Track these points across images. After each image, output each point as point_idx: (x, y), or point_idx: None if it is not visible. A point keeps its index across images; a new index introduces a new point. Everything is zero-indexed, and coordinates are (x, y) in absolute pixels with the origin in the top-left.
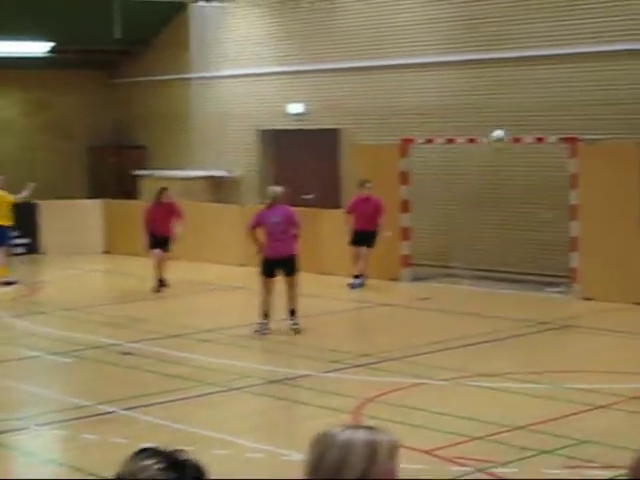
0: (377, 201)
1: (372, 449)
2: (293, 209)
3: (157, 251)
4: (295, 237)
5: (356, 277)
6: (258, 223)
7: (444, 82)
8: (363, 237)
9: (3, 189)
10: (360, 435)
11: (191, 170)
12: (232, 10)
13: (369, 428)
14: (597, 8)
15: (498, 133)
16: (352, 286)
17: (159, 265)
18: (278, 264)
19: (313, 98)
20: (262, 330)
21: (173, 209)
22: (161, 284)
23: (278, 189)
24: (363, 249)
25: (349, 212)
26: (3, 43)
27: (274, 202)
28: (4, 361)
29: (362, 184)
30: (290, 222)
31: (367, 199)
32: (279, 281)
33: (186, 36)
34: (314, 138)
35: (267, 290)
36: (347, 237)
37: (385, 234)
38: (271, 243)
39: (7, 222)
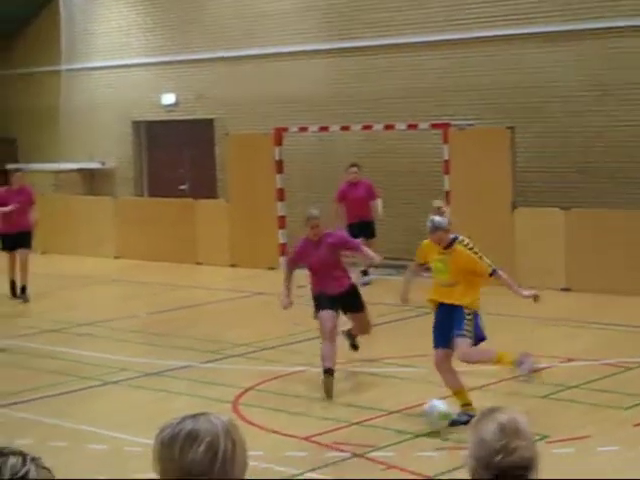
0: (367, 184)
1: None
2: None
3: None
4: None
5: (364, 273)
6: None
7: (316, 70)
8: (358, 229)
9: None
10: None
11: (63, 163)
12: (101, 0)
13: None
14: None
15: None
16: (363, 284)
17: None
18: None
19: (185, 88)
20: None
21: (28, 196)
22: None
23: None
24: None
25: (339, 201)
26: None
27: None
28: None
29: (348, 168)
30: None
31: (355, 184)
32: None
33: (55, 27)
34: (188, 128)
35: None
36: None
37: None
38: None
39: None
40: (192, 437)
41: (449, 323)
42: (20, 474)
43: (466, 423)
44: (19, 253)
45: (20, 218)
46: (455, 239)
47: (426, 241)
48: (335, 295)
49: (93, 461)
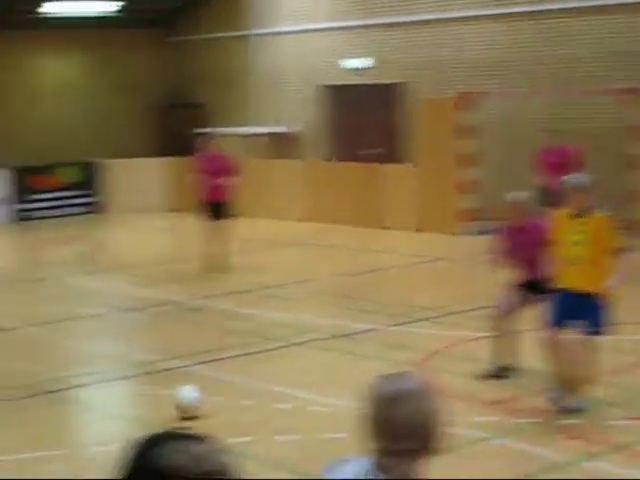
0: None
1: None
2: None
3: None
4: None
5: None
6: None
7: (506, 34)
8: None
9: None
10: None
11: (251, 127)
12: None
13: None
14: None
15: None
16: None
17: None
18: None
19: (372, 52)
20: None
21: (223, 163)
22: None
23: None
24: None
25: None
26: (61, 4)
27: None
28: (70, 319)
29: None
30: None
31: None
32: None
33: None
34: (374, 93)
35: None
36: None
37: None
38: None
39: None
40: (396, 397)
41: (579, 313)
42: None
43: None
44: (217, 224)
45: (215, 187)
46: (592, 206)
47: (557, 211)
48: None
49: (280, 419)
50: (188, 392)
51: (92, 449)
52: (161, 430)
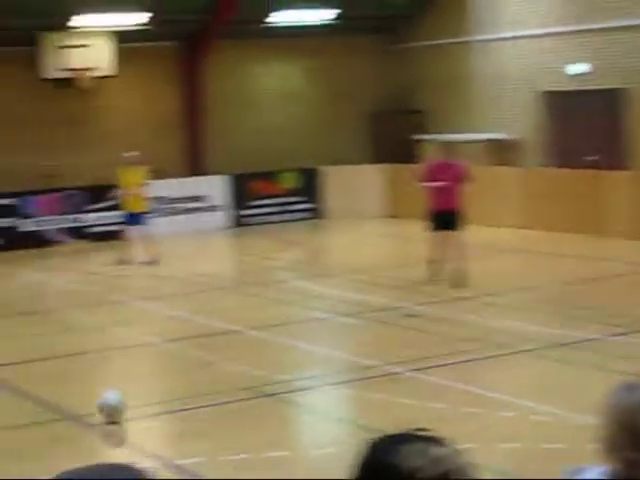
0: None
1: None
2: None
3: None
4: None
5: None
6: None
7: None
8: None
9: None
10: None
11: (470, 133)
12: None
13: None
14: None
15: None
16: None
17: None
18: None
19: (596, 58)
20: None
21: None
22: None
23: None
24: None
25: None
26: (290, 12)
27: None
28: (293, 322)
29: None
30: None
31: None
32: None
33: None
34: (598, 99)
35: None
36: None
37: None
38: None
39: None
40: None
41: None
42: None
43: None
44: (448, 236)
45: (447, 196)
46: None
47: None
48: None
49: (502, 427)
50: (113, 396)
51: (314, 451)
52: (398, 431)
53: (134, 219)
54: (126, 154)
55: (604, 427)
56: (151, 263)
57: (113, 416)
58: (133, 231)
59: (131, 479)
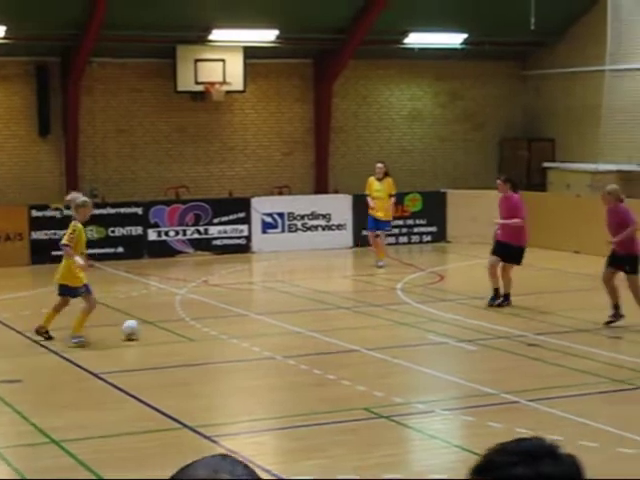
0: None
1: None
2: None
3: (493, 258)
4: None
5: None
6: None
7: None
8: None
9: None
10: None
11: (600, 164)
12: None
13: None
14: None
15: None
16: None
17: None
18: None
19: None
20: None
21: None
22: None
23: None
24: None
25: None
26: (420, 35)
27: None
28: (411, 345)
29: None
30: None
31: None
32: None
33: (601, 27)
34: None
35: None
36: None
37: None
38: None
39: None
40: None
41: None
42: None
43: None
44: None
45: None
46: None
47: None
48: None
49: (622, 463)
50: (131, 322)
51: (428, 476)
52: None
53: (381, 225)
54: (378, 165)
55: None
56: (383, 266)
57: (133, 335)
58: (377, 236)
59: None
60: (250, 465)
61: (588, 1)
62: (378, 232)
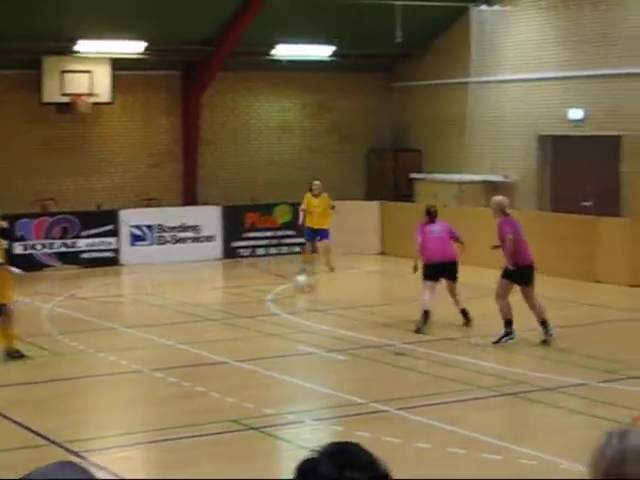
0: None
1: None
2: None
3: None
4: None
5: None
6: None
7: None
8: None
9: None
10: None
11: (466, 174)
12: (513, 14)
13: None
14: None
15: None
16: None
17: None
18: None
19: (594, 104)
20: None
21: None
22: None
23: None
24: None
25: None
26: (288, 47)
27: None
28: (281, 356)
29: None
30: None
31: None
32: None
33: (466, 40)
34: (594, 144)
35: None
36: None
37: None
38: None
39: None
40: None
41: None
42: None
43: None
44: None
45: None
46: None
47: None
48: None
49: (489, 471)
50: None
51: None
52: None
53: (317, 234)
54: (316, 182)
55: (590, 475)
56: (332, 270)
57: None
58: (315, 244)
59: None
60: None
61: (453, 14)
62: (323, 241)
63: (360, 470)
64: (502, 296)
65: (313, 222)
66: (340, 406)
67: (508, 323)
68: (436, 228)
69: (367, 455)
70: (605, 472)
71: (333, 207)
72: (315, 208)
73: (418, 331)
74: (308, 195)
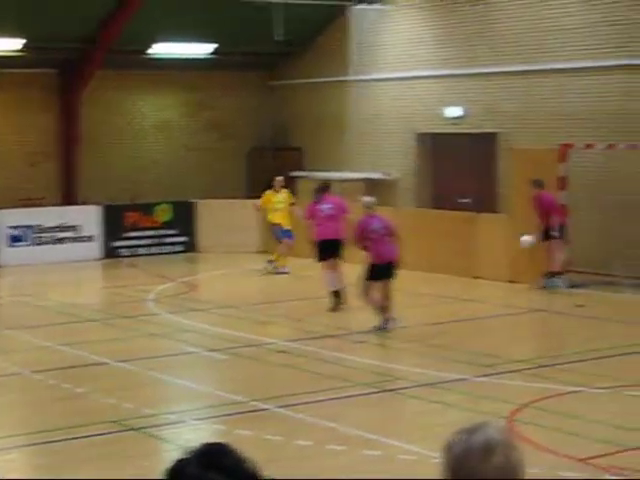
0: (547, 197)
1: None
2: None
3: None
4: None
5: (552, 275)
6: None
7: (605, 87)
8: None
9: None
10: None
11: (347, 172)
12: (392, 13)
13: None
14: None
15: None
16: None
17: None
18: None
19: (471, 102)
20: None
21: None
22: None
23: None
24: (555, 243)
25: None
26: (166, 45)
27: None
28: (163, 356)
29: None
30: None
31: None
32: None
33: (345, 39)
34: (472, 142)
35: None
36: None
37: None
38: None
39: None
40: (487, 449)
41: None
42: None
43: None
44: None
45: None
46: None
47: None
48: None
49: (368, 466)
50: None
51: None
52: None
53: (285, 234)
54: (278, 178)
55: (441, 473)
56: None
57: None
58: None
59: None
60: None
61: (332, 12)
62: (286, 241)
63: (226, 472)
64: (368, 291)
65: (278, 218)
66: (221, 405)
67: (378, 311)
68: (325, 206)
69: (235, 457)
70: (451, 469)
71: (293, 204)
72: (279, 204)
73: (334, 310)
74: (269, 192)
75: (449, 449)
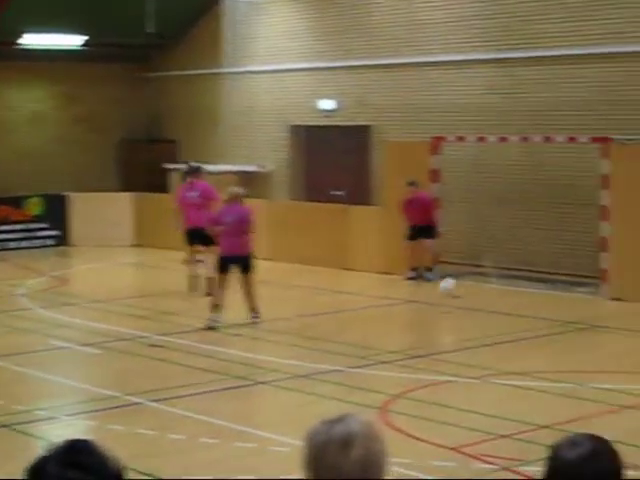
0: (425, 196)
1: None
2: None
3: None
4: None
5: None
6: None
7: (476, 80)
8: (419, 231)
9: None
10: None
11: (221, 165)
12: (264, 5)
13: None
14: (627, 7)
15: (446, 284)
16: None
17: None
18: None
19: (344, 94)
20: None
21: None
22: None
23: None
24: (425, 242)
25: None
26: (37, 36)
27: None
28: (33, 351)
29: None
30: (244, 221)
31: (414, 199)
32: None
33: (218, 31)
34: (345, 134)
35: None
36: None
37: None
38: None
39: None
40: (346, 441)
41: None
42: None
43: None
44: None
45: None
46: None
47: None
48: None
49: (241, 458)
50: (445, 283)
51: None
52: None
53: None
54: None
55: (305, 463)
56: None
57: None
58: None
59: None
60: None
61: (205, 3)
62: None
63: (87, 470)
64: (220, 284)
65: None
66: (94, 400)
67: (210, 307)
68: (191, 194)
69: (97, 455)
70: (308, 460)
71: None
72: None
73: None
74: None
75: (310, 439)
